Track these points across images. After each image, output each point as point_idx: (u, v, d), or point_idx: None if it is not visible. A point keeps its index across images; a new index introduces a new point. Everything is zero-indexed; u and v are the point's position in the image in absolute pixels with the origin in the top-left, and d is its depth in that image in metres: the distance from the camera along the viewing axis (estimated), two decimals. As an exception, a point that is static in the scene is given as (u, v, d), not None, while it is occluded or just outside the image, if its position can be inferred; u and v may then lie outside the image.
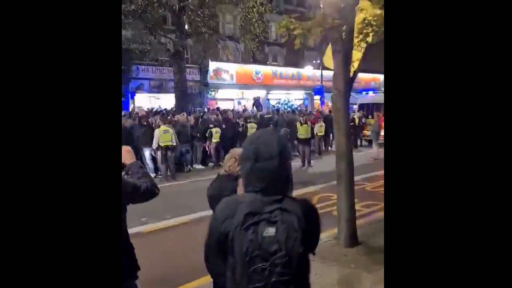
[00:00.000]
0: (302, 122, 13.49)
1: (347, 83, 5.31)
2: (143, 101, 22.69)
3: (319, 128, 16.20)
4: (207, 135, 13.10)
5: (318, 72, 30.38)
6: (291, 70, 28.92)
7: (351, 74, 5.45)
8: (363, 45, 5.52)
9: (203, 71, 24.32)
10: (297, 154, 14.10)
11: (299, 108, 28.37)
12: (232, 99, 26.02)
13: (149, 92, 22.93)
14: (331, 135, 17.77)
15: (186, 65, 24.15)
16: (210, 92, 25.00)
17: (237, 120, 14.63)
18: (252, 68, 26.92)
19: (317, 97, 29.78)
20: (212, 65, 24.47)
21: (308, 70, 28.37)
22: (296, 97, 29.70)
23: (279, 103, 28.58)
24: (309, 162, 13.33)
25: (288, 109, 28.01)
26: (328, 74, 27.31)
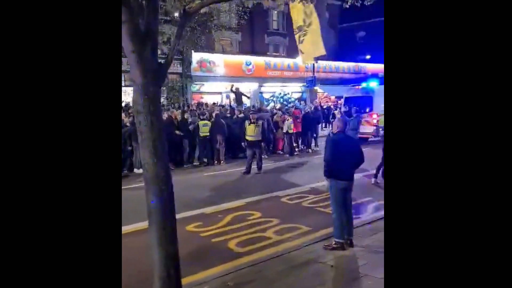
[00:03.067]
0: (251, 121, 11.39)
1: (150, 73, 3.46)
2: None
3: (289, 125, 14.27)
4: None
5: (319, 62, 28.34)
6: (287, 61, 26.83)
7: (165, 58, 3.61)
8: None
9: (186, 62, 22.59)
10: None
11: (296, 102, 26.43)
12: (220, 93, 24.16)
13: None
14: (312, 133, 15.90)
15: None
16: (193, 85, 23.25)
17: (179, 117, 12.69)
18: (241, 58, 25.02)
19: (319, 90, 27.76)
20: (196, 56, 22.70)
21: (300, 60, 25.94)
22: (293, 90, 27.59)
23: (273, 96, 26.62)
24: (259, 168, 11.38)
25: (285, 102, 26.16)
26: (330, 64, 25.30)
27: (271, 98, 26.43)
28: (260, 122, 11.12)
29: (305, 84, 24.94)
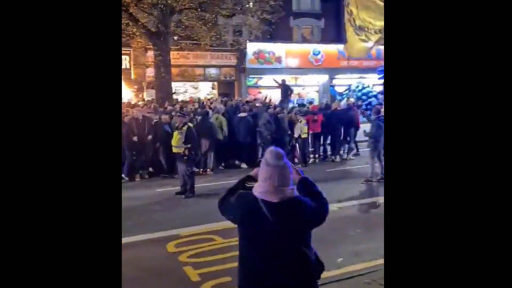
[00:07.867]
0: (178, 126, 8.50)
1: None
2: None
3: (303, 129, 11.19)
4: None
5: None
6: (366, 48, 22.90)
7: None
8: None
9: (240, 54, 20.42)
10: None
11: (379, 96, 22.50)
12: (281, 87, 21.42)
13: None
14: (345, 137, 12.50)
15: (224, 48, 20.70)
16: (249, 79, 20.98)
17: (158, 118, 10.48)
18: (308, 47, 21.94)
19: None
20: (252, 47, 20.37)
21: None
22: (375, 82, 23.51)
23: (349, 90, 23.01)
24: (184, 189, 8.47)
25: (364, 97, 22.50)
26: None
27: (346, 92, 22.86)
28: (185, 127, 8.24)
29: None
